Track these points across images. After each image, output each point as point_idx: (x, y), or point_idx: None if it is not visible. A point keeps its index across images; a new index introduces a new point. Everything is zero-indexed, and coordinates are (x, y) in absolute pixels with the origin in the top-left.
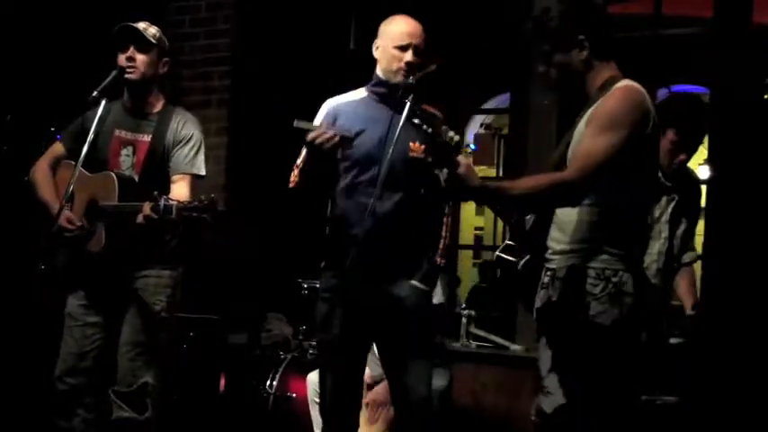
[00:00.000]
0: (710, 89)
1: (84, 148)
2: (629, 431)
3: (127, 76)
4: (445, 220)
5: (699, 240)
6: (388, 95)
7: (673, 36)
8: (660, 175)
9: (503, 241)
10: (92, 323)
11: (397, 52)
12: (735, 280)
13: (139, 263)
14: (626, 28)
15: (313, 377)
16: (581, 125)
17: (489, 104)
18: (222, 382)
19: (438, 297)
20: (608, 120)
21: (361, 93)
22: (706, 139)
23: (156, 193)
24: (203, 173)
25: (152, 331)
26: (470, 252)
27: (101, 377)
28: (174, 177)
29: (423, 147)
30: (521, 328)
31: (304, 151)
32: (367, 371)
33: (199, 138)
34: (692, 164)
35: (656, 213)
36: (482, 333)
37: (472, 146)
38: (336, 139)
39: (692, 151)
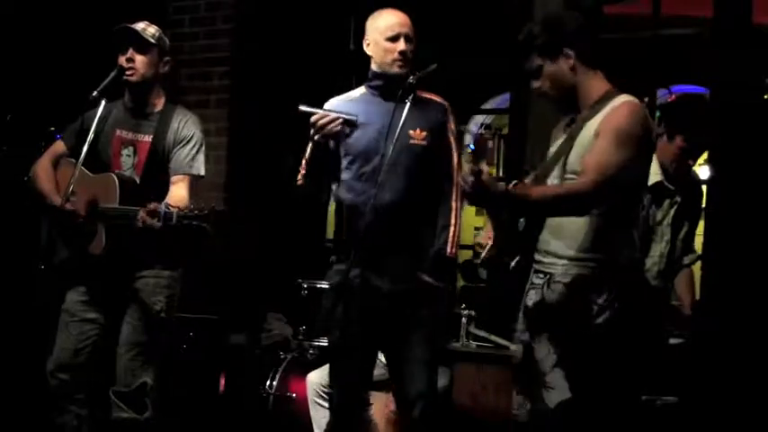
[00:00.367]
0: (710, 89)
1: (84, 148)
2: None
3: (126, 77)
4: (453, 205)
5: (698, 240)
6: (386, 87)
7: (673, 36)
8: (663, 178)
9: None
10: (89, 319)
11: (389, 44)
12: (735, 280)
13: (139, 263)
14: (626, 28)
15: (313, 377)
16: (586, 135)
17: (489, 104)
18: (222, 382)
19: None
20: (623, 135)
21: (359, 90)
22: None
23: (153, 204)
24: (203, 173)
25: (151, 331)
26: (470, 252)
27: (95, 374)
28: (174, 178)
29: (424, 133)
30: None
31: (310, 144)
32: None
33: (199, 138)
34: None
35: (659, 216)
36: (482, 333)
37: (471, 146)
38: (340, 120)
39: (698, 156)
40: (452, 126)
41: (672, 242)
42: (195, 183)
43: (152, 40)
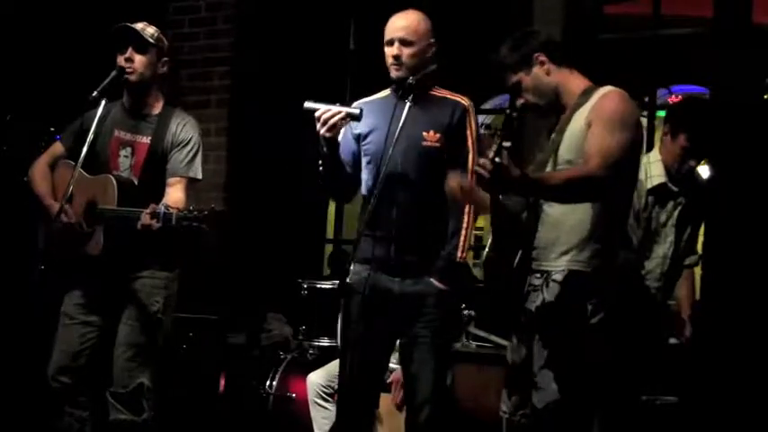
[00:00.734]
0: (710, 89)
1: (84, 149)
2: (627, 430)
3: (126, 77)
4: (466, 209)
5: (698, 240)
6: (396, 91)
7: (673, 36)
8: (667, 180)
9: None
10: (87, 322)
11: (385, 49)
12: (735, 280)
13: (136, 264)
14: (626, 28)
15: (313, 377)
16: (576, 126)
17: (489, 104)
18: (222, 382)
19: None
20: (617, 119)
21: (385, 92)
22: None
23: (153, 206)
24: (200, 177)
25: (148, 332)
26: (470, 252)
27: (96, 377)
28: (171, 180)
29: (438, 135)
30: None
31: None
32: None
33: (197, 141)
34: None
35: (663, 218)
36: (482, 333)
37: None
38: (342, 114)
39: (702, 157)
40: (473, 126)
41: (676, 243)
42: (192, 186)
43: (151, 40)
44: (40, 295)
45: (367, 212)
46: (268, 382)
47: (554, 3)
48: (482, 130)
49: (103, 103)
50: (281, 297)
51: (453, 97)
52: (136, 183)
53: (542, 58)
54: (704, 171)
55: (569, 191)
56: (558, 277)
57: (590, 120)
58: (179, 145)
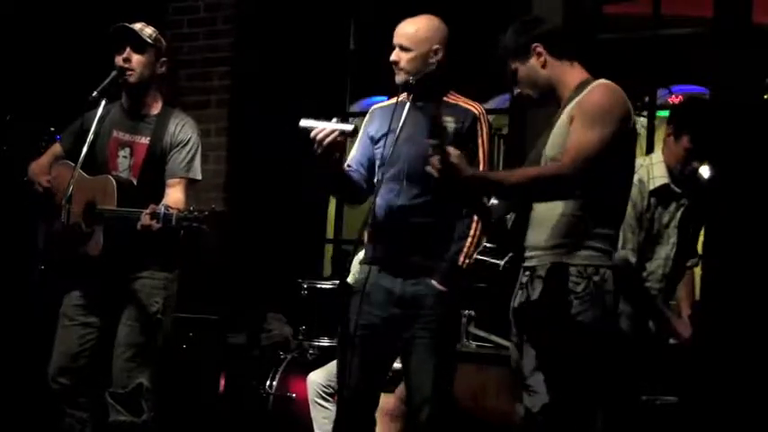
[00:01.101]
0: (710, 89)
1: (84, 149)
2: (627, 430)
3: (125, 78)
4: (476, 218)
5: (698, 241)
6: (409, 96)
7: (673, 36)
8: (670, 180)
9: None
10: (86, 323)
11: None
12: (735, 280)
13: (136, 265)
14: (626, 28)
15: (313, 377)
16: (562, 122)
17: (489, 104)
18: (222, 382)
19: None
20: (597, 114)
21: (401, 96)
22: None
23: (153, 207)
24: (199, 177)
25: (147, 333)
26: None
27: (96, 378)
28: (170, 181)
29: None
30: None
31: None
32: None
33: (196, 141)
34: None
35: (665, 219)
36: (482, 333)
37: None
38: (336, 133)
39: (704, 158)
40: (484, 135)
41: (678, 245)
42: (192, 186)
43: (149, 41)
44: (40, 295)
45: (372, 213)
46: (268, 382)
47: (554, 3)
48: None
49: (103, 103)
50: (281, 297)
51: (465, 104)
52: (135, 183)
53: (540, 49)
54: (705, 171)
55: (535, 190)
56: (542, 272)
57: (572, 114)
58: (178, 146)
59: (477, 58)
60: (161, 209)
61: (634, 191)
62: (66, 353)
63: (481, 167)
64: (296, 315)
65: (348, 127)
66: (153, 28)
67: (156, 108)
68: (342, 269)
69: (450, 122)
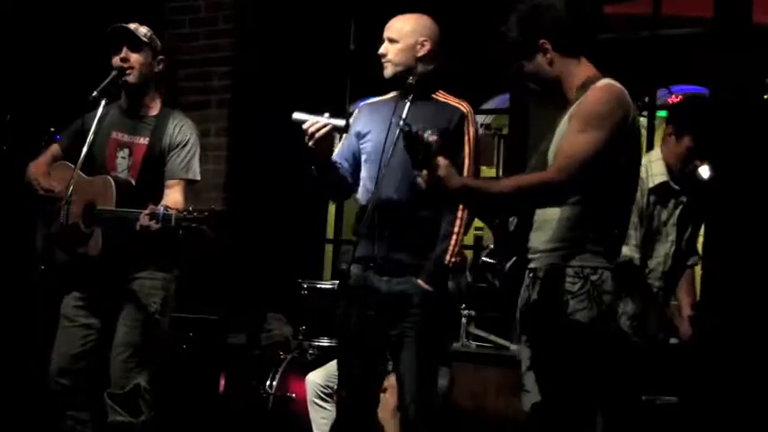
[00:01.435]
0: (710, 89)
1: (84, 149)
2: (627, 430)
3: (126, 78)
4: (459, 214)
5: (698, 240)
6: (399, 94)
7: (673, 36)
8: (669, 178)
9: None
10: (86, 324)
11: None
12: (735, 280)
13: (134, 265)
14: (626, 28)
15: (313, 377)
16: (563, 123)
17: (489, 104)
18: (222, 382)
19: None
20: (591, 117)
21: (390, 94)
22: None
23: (152, 207)
24: (198, 178)
25: (146, 333)
26: (470, 252)
27: (95, 379)
28: (169, 182)
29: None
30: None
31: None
32: None
33: (195, 142)
34: None
35: (664, 216)
36: (482, 333)
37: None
38: (329, 127)
39: (706, 157)
40: (471, 132)
41: (677, 242)
42: (190, 187)
43: (144, 40)
44: (40, 295)
45: (361, 212)
46: (268, 382)
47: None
48: (481, 131)
49: (103, 103)
50: (281, 297)
51: (453, 102)
52: (133, 184)
53: (547, 45)
54: (705, 171)
55: (523, 198)
56: (540, 273)
57: (571, 117)
58: (177, 146)
59: (478, 57)
60: (160, 209)
61: None
62: (66, 354)
63: (466, 165)
64: (296, 315)
65: (340, 122)
66: (147, 27)
67: (155, 109)
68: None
69: (429, 135)
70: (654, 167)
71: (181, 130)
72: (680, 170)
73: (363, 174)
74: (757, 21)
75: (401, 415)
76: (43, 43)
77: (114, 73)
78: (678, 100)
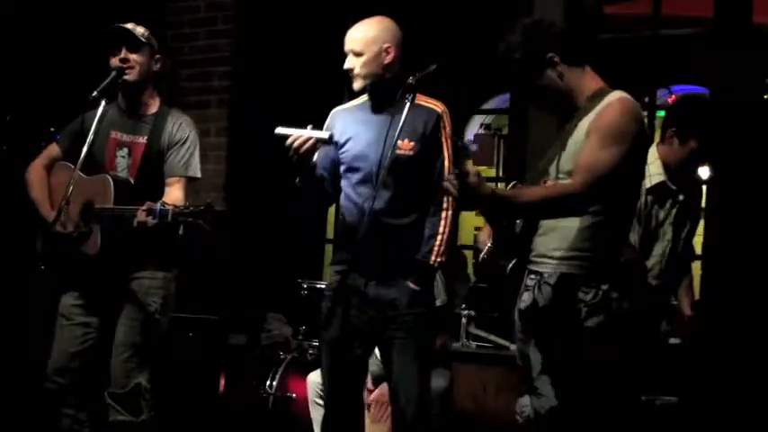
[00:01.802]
0: (710, 89)
1: (84, 149)
2: (627, 430)
3: (126, 77)
4: (443, 214)
5: (698, 240)
6: (371, 99)
7: (673, 36)
8: (666, 178)
9: None
10: (84, 323)
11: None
12: (735, 280)
13: (134, 265)
14: (626, 28)
15: (313, 377)
16: (579, 135)
17: (489, 104)
18: (222, 382)
19: (440, 298)
20: (613, 133)
21: (362, 98)
22: None
23: (148, 203)
24: (198, 175)
25: (146, 333)
26: (470, 252)
27: (95, 378)
28: (169, 180)
29: (412, 143)
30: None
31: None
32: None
33: (194, 139)
34: None
35: (661, 216)
36: (482, 333)
37: (473, 146)
38: (311, 141)
39: (707, 158)
40: (447, 133)
41: (673, 241)
42: (191, 185)
43: (143, 39)
44: (40, 295)
45: (342, 217)
46: (268, 382)
47: (554, 2)
48: (482, 131)
49: (103, 103)
50: (281, 297)
51: (427, 104)
52: (132, 182)
53: (555, 59)
54: (704, 171)
55: (546, 209)
56: (552, 281)
57: (589, 130)
58: (176, 144)
59: (477, 57)
60: (157, 205)
61: None
62: (65, 352)
63: (446, 165)
64: (296, 315)
65: (324, 134)
66: (144, 28)
67: (154, 107)
68: None
69: (470, 143)
70: (651, 168)
71: (180, 127)
72: (678, 170)
73: (343, 182)
74: (757, 21)
75: (397, 417)
76: (43, 43)
77: (114, 73)
78: (674, 100)
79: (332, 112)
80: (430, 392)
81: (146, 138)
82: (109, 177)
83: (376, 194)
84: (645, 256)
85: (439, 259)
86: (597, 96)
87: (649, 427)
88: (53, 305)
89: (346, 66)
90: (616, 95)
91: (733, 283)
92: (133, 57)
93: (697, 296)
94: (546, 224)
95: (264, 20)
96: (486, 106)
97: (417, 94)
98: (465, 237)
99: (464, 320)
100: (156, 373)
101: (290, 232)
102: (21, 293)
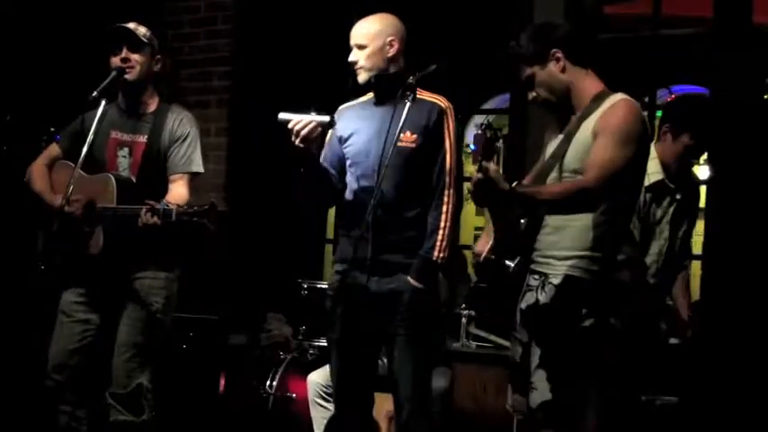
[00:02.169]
0: (710, 89)
1: (84, 149)
2: (627, 430)
3: (126, 76)
4: (445, 208)
5: (698, 240)
6: (376, 95)
7: (673, 36)
8: (664, 176)
9: None
10: (84, 320)
11: None
12: (734, 280)
13: (136, 264)
14: (626, 28)
15: (313, 377)
16: (584, 135)
17: (489, 104)
18: (222, 382)
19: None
20: (623, 133)
21: (367, 96)
22: None
23: (151, 203)
24: (201, 170)
25: (148, 333)
26: (470, 252)
27: (95, 377)
28: (173, 177)
29: (414, 136)
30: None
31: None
32: None
33: (195, 135)
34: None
35: (659, 214)
36: (482, 333)
37: (472, 146)
38: (313, 124)
39: (701, 155)
40: (451, 128)
41: (671, 240)
42: (194, 180)
43: (144, 40)
44: (40, 295)
45: (344, 213)
46: (268, 382)
47: (554, 2)
48: (486, 130)
49: (103, 103)
50: (281, 297)
51: (431, 98)
52: (134, 181)
53: (559, 54)
54: (704, 171)
55: (563, 204)
56: (556, 281)
57: (596, 130)
58: (177, 141)
59: (478, 57)
60: (160, 205)
61: None
62: (64, 349)
63: (448, 160)
64: (296, 315)
65: (325, 118)
66: (145, 28)
67: (153, 105)
68: None
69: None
70: (650, 166)
71: (180, 123)
72: (676, 168)
73: (349, 177)
74: (757, 21)
75: (396, 415)
76: (43, 43)
77: (114, 73)
78: (672, 99)
79: (338, 110)
80: (431, 392)
81: (146, 137)
82: (111, 177)
83: (378, 188)
84: (642, 255)
85: (441, 254)
86: (600, 98)
87: (649, 427)
88: (53, 304)
89: (351, 58)
90: (619, 97)
91: (733, 283)
92: (134, 57)
93: (695, 297)
94: (553, 223)
95: (264, 20)
96: (486, 106)
97: (421, 90)
98: (465, 237)
99: (464, 320)
100: (157, 373)
101: (290, 232)
102: (21, 293)
